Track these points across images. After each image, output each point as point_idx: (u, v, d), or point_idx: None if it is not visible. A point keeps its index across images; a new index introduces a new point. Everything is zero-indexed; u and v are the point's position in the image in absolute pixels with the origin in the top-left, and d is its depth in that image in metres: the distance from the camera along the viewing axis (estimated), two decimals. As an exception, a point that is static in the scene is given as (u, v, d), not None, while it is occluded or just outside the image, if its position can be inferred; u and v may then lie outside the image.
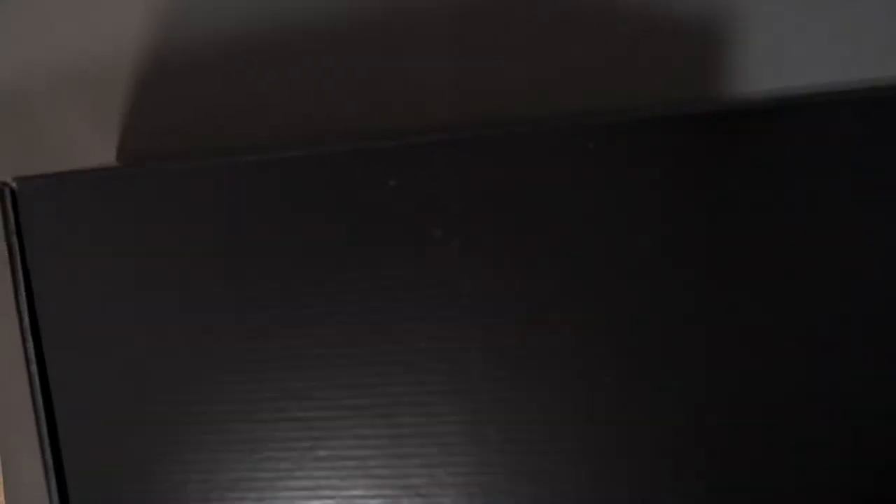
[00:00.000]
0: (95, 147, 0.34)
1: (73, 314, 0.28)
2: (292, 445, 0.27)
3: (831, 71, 0.30)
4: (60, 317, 0.28)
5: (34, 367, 0.27)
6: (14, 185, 0.28)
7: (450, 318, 0.25)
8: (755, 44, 0.30)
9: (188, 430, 0.27)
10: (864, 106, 0.24)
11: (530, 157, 0.25)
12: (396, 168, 0.25)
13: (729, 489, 0.25)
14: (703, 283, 0.24)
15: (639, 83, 0.31)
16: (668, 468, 0.25)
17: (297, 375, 0.26)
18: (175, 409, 0.27)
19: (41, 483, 0.36)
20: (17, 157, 0.29)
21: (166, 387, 0.27)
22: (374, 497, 0.26)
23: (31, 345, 0.27)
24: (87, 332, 0.28)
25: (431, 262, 0.25)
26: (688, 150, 0.24)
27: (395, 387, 0.26)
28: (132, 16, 0.34)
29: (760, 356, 0.25)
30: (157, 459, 0.28)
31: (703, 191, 0.24)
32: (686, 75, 0.31)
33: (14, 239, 0.28)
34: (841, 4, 0.30)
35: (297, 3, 0.33)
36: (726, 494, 0.25)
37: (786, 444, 0.25)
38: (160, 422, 0.27)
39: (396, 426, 0.26)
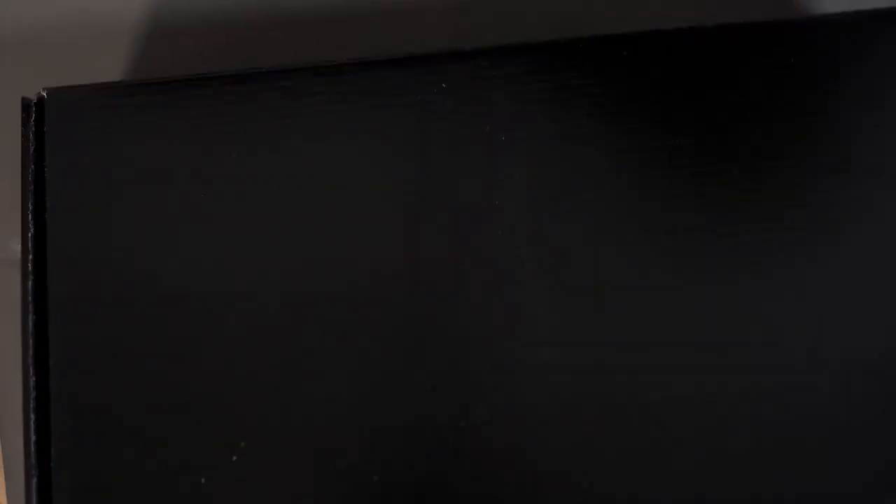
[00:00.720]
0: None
1: (92, 242, 0.24)
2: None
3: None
4: (77, 245, 0.24)
5: (30, 292, 0.23)
6: (44, 94, 0.25)
7: (495, 209, 0.25)
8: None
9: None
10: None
11: (572, 66, 0.26)
12: (447, 73, 0.26)
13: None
14: (749, 189, 0.26)
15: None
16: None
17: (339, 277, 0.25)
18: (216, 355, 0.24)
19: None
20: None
21: (209, 336, 0.24)
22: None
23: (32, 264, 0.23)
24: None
25: (480, 154, 0.26)
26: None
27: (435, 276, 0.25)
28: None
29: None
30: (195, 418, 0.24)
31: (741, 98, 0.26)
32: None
33: (31, 161, 0.25)
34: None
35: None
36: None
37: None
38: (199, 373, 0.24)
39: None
